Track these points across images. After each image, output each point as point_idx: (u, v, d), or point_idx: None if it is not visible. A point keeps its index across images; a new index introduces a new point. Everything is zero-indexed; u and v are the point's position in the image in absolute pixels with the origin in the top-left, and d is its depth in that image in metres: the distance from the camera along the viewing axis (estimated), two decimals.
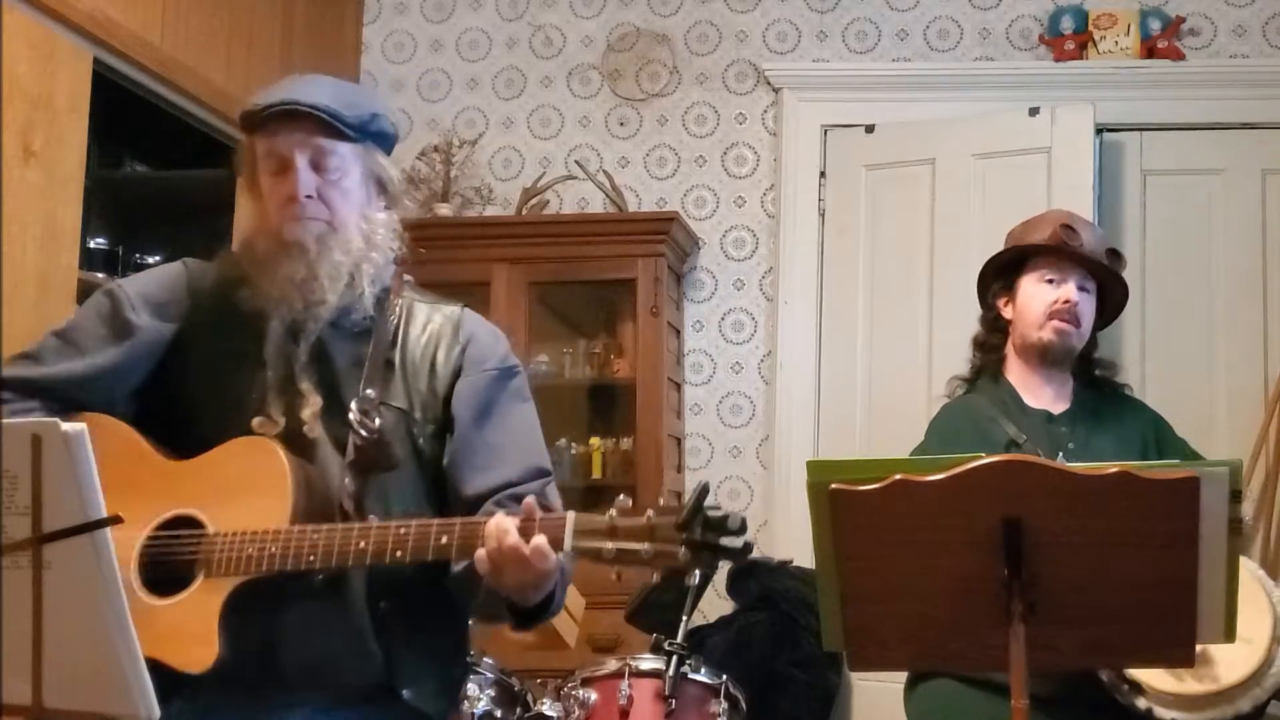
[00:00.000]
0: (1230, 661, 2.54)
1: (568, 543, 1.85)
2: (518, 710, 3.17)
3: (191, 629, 1.95)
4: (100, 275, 3.73)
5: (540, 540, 1.85)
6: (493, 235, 4.75)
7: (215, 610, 1.96)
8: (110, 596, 1.61)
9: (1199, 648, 2.13)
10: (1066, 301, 2.88)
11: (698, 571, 1.85)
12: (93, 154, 3.74)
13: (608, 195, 4.87)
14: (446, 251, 4.70)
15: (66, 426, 1.58)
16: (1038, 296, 2.91)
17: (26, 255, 3.39)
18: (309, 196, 2.08)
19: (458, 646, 2.21)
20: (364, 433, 2.06)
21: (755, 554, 4.59)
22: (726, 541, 1.79)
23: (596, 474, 4.72)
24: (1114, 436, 2.88)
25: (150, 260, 4.04)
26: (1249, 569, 2.71)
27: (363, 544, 1.94)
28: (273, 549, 1.95)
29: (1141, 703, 2.58)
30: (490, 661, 3.17)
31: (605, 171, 4.94)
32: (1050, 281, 2.91)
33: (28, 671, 1.58)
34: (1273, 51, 4.67)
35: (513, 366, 2.21)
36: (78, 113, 3.61)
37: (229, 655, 1.94)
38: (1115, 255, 2.99)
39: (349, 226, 2.10)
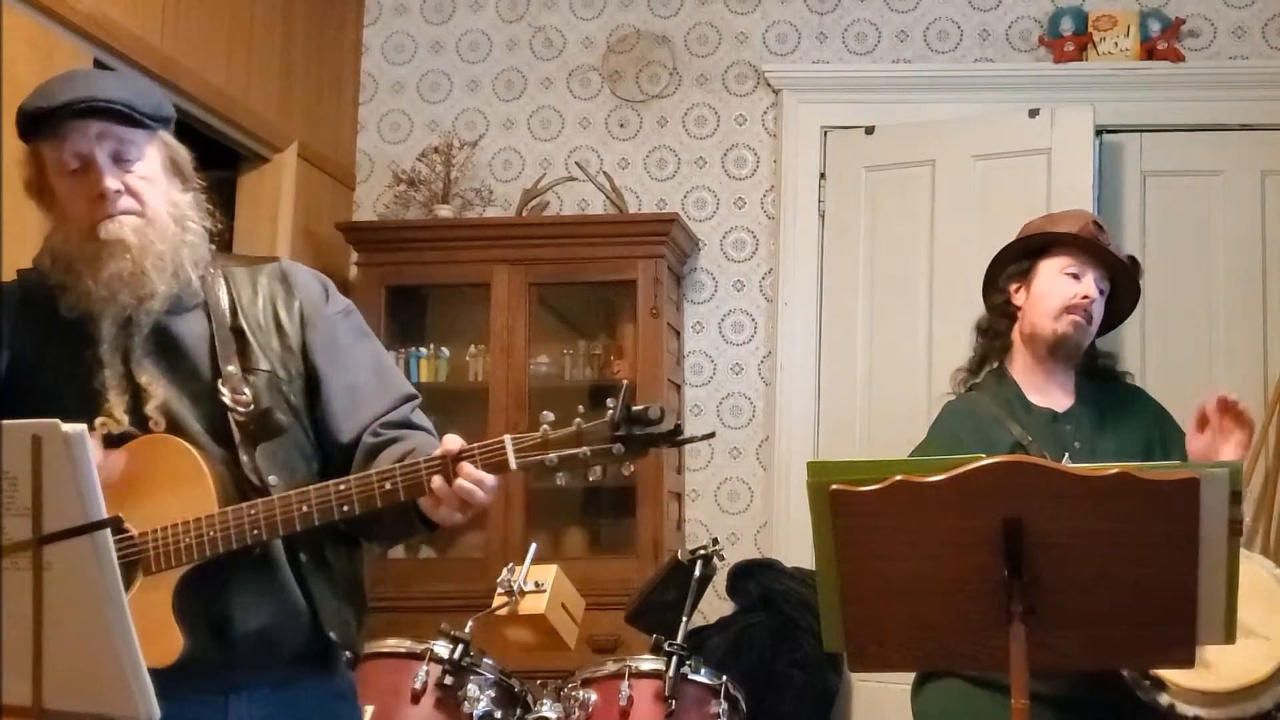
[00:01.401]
0: (1252, 658, 2.54)
1: (512, 463, 1.96)
2: (518, 711, 3.17)
3: (145, 626, 1.91)
4: None
5: (477, 473, 1.95)
6: (493, 236, 4.74)
7: (166, 603, 1.97)
8: (110, 597, 1.61)
9: (1222, 646, 2.13)
10: (1085, 297, 2.84)
11: (629, 463, 1.99)
12: None
13: (608, 196, 4.87)
14: (447, 253, 4.72)
15: (66, 427, 1.58)
16: (1056, 288, 2.86)
17: (26, 257, 3.38)
18: (117, 191, 2.05)
19: (361, 582, 2.24)
20: (240, 409, 2.07)
21: (756, 554, 4.65)
22: (653, 430, 1.94)
23: (596, 475, 4.70)
24: (1120, 433, 2.86)
25: None
26: (1268, 569, 2.71)
27: (305, 507, 1.98)
28: (211, 533, 1.97)
29: (1164, 699, 2.57)
30: (490, 662, 3.17)
31: (605, 173, 4.94)
32: (1072, 275, 2.87)
33: (28, 672, 1.58)
34: (1272, 53, 4.67)
35: (348, 306, 2.26)
36: None
37: (187, 642, 1.96)
38: (1134, 262, 2.97)
39: (161, 215, 2.09)
